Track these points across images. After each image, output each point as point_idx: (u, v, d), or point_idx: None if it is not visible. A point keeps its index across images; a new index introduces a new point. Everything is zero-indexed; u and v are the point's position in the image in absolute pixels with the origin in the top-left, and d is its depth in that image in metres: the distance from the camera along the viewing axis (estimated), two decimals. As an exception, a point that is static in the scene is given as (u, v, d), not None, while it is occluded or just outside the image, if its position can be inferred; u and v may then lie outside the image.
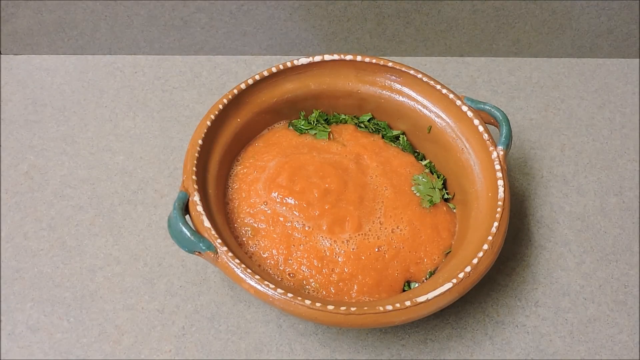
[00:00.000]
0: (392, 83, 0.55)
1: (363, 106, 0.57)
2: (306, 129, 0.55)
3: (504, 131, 0.51)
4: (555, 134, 0.62)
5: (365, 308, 0.43)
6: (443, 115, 0.54)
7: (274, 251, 0.48)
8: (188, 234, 0.44)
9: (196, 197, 0.46)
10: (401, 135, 0.57)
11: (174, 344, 0.50)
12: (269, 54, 0.68)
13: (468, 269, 0.45)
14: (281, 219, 0.49)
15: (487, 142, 0.51)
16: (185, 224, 0.44)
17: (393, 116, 0.56)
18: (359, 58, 0.54)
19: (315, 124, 0.56)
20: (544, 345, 0.50)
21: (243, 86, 0.53)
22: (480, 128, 0.52)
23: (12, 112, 0.62)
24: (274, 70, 0.54)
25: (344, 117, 0.57)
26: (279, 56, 0.67)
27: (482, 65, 0.68)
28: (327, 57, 0.54)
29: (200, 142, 0.50)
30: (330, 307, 0.42)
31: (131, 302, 0.51)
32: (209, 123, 0.51)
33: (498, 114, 0.52)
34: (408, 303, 0.43)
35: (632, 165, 0.60)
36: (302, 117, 0.56)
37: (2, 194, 0.57)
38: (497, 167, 0.50)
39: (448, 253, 0.50)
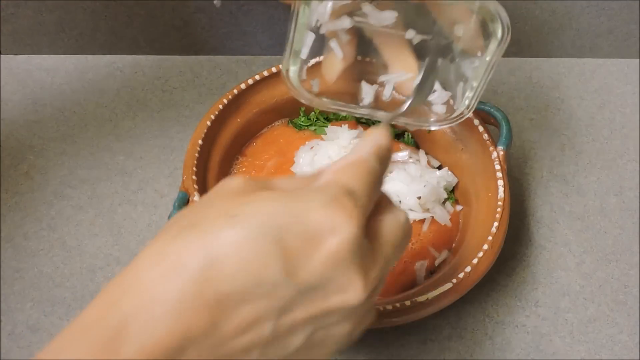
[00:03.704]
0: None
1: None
2: (306, 125, 0.56)
3: (504, 131, 0.51)
4: (555, 134, 0.62)
5: (365, 308, 0.43)
6: (443, 115, 0.54)
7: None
8: (188, 234, 0.44)
9: (196, 197, 0.46)
10: (406, 132, 0.56)
11: (174, 344, 0.49)
12: (269, 54, 0.68)
13: (468, 269, 0.45)
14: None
15: (487, 142, 0.51)
16: (185, 224, 0.44)
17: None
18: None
19: (315, 121, 0.56)
20: (544, 345, 0.50)
21: (243, 86, 0.53)
22: (480, 128, 0.52)
23: (12, 112, 0.62)
24: (274, 70, 0.54)
25: (345, 114, 0.57)
26: (279, 56, 0.67)
27: (482, 65, 0.68)
28: (327, 57, 0.54)
29: (200, 142, 0.50)
30: (330, 307, 0.42)
31: (131, 302, 0.51)
32: (209, 123, 0.51)
33: (498, 114, 0.52)
34: (408, 303, 0.43)
35: (632, 165, 0.60)
36: (302, 114, 0.56)
37: (2, 194, 0.57)
38: (497, 167, 0.50)
39: (448, 253, 0.50)
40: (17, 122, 0.61)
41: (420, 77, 0.41)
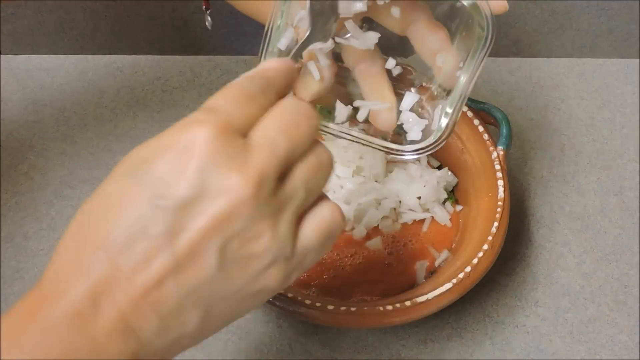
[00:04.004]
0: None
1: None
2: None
3: (504, 131, 0.51)
4: (555, 134, 0.62)
5: (365, 308, 0.43)
6: (443, 115, 0.54)
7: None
8: (188, 234, 0.44)
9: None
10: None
11: (174, 344, 0.49)
12: (269, 54, 0.67)
13: (468, 269, 0.45)
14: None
15: (487, 142, 0.51)
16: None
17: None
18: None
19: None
20: (544, 345, 0.50)
21: (243, 86, 0.53)
22: (480, 128, 0.52)
23: (12, 112, 0.62)
24: (274, 70, 0.54)
25: None
26: (279, 56, 0.67)
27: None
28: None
29: (200, 142, 0.50)
30: (330, 307, 0.42)
31: (131, 302, 0.51)
32: (209, 123, 0.51)
33: (498, 114, 0.52)
34: (408, 303, 0.43)
35: (632, 165, 0.60)
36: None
37: (2, 194, 0.57)
38: (497, 167, 0.50)
39: (448, 253, 0.50)
40: (17, 122, 0.61)
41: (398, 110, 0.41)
